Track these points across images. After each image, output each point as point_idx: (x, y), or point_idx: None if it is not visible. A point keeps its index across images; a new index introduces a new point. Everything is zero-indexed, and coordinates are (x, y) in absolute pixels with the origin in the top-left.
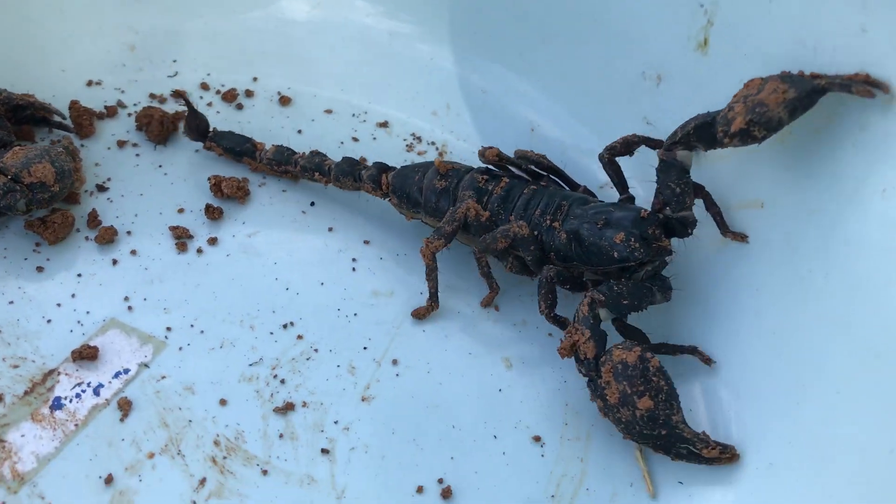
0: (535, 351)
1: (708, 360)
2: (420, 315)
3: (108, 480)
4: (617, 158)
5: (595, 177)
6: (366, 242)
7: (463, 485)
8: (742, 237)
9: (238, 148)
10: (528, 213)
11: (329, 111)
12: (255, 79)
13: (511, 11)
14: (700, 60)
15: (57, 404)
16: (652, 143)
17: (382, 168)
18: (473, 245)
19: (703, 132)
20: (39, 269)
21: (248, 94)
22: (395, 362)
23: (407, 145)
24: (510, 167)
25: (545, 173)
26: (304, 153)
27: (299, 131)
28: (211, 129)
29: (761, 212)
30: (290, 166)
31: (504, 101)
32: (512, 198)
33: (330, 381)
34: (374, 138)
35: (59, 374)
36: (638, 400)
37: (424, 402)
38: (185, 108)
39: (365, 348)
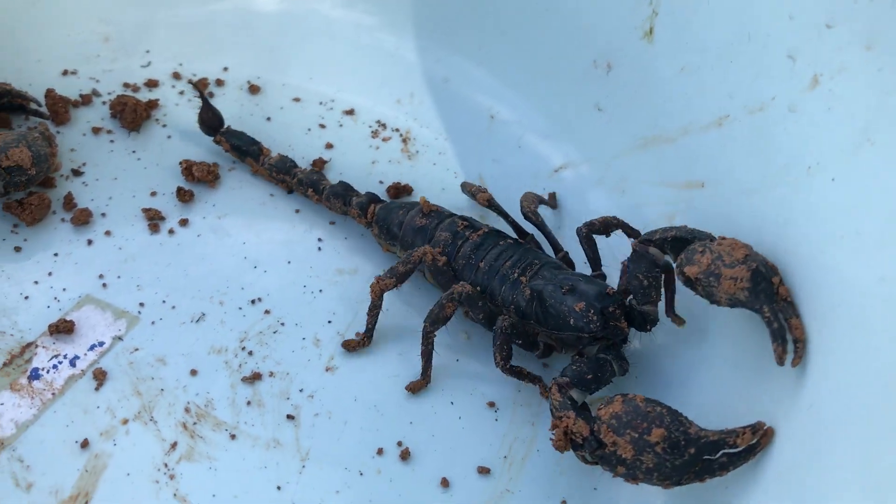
0: None
1: None
2: (350, 347)
3: (84, 445)
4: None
5: (548, 162)
6: (331, 223)
7: (421, 447)
8: (680, 322)
9: (245, 148)
10: (497, 263)
11: (297, 99)
12: (225, 68)
13: (470, 4)
14: (646, 49)
15: (35, 375)
16: (629, 231)
17: (373, 198)
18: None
19: (678, 246)
20: (17, 248)
21: (219, 83)
22: (358, 335)
23: (372, 132)
24: (500, 216)
25: (529, 233)
26: (304, 168)
27: (268, 119)
28: (225, 126)
29: (702, 191)
30: (288, 177)
31: (465, 89)
32: (486, 246)
33: (296, 352)
34: (341, 125)
35: (36, 346)
36: (649, 437)
37: (386, 372)
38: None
39: (329, 322)
